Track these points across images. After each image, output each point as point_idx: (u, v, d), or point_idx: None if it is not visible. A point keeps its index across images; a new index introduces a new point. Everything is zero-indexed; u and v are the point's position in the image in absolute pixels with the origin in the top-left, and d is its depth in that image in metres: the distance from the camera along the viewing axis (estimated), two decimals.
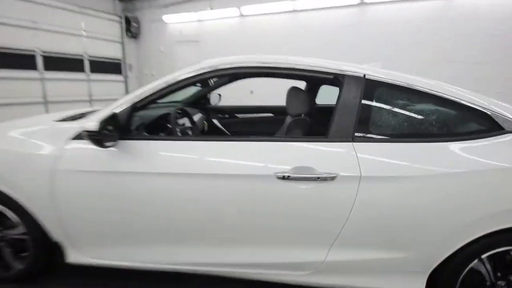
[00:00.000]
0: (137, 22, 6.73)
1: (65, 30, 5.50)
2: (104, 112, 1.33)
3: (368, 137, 1.27)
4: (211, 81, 2.53)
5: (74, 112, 1.87)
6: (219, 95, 2.91)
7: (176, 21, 6.38)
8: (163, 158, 1.30)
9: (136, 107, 1.37)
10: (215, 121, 2.80)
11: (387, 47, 4.76)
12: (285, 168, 1.22)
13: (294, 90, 1.68)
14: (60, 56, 5.48)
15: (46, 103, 5.30)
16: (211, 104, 2.85)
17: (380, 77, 1.30)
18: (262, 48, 5.56)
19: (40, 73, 5.17)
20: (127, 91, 6.72)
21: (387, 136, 1.28)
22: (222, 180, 1.26)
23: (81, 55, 5.85)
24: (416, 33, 4.63)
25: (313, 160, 1.23)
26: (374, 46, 4.82)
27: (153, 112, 1.81)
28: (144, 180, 1.29)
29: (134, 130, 1.47)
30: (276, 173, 1.22)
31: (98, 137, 1.20)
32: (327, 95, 2.48)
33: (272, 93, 3.76)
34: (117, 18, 6.53)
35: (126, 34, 6.67)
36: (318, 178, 1.20)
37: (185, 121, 1.98)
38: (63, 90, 5.55)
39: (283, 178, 1.22)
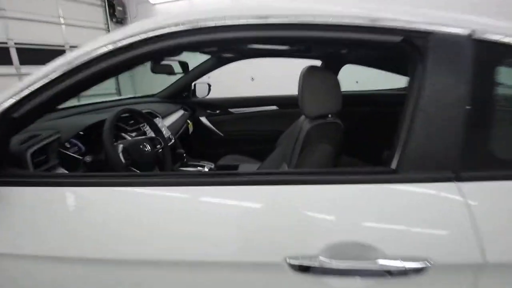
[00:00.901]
0: (122, 5, 6.02)
1: (40, 17, 4.85)
2: None
3: (493, 169, 0.58)
4: (182, 63, 1.83)
5: None
6: (208, 84, 2.23)
7: (163, 0, 5.62)
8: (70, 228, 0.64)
9: (13, 119, 0.68)
10: (203, 120, 2.16)
11: None
12: (309, 247, 0.56)
13: (313, 72, 0.95)
14: (38, 47, 4.84)
15: None
16: (197, 97, 2.19)
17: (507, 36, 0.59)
18: None
19: (16, 68, 4.60)
20: (117, 85, 6.06)
21: None
22: (181, 272, 0.60)
23: (62, 46, 5.22)
24: None
25: (369, 227, 0.56)
26: None
27: (82, 120, 1.11)
28: (36, 272, 0.64)
29: (29, 163, 0.81)
30: (289, 258, 0.55)
31: None
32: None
33: (280, 78, 3.06)
34: (99, 2, 5.84)
35: (111, 19, 5.98)
36: (389, 272, 0.53)
37: (146, 129, 1.30)
38: None
39: (304, 269, 0.55)
